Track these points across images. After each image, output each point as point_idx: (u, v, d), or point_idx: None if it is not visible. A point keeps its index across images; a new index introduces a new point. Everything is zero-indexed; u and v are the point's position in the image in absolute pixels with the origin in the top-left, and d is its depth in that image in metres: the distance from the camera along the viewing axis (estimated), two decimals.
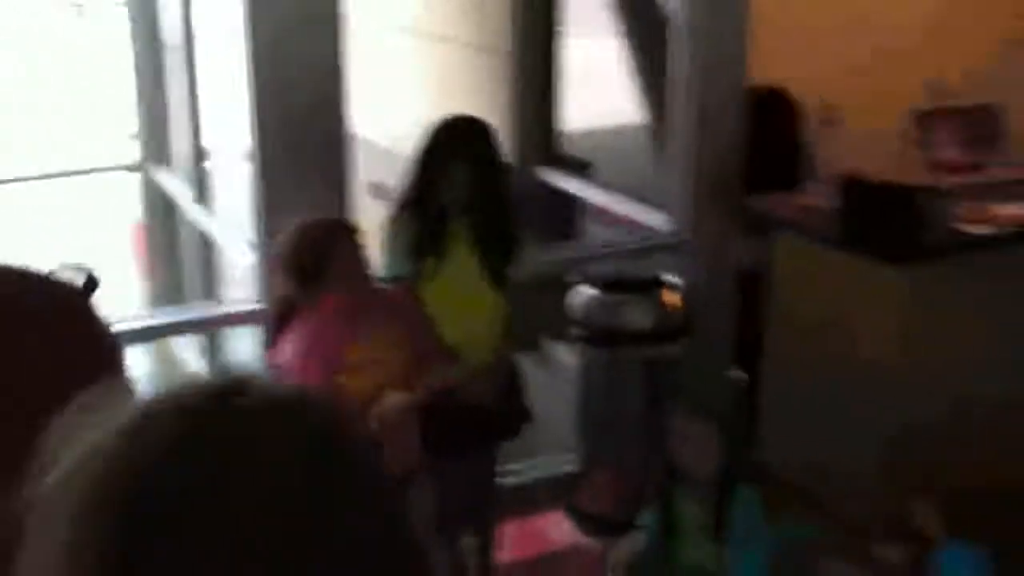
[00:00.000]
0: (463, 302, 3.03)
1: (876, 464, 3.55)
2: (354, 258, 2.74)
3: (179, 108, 5.14)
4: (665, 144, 5.02)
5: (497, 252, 3.07)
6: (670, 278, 3.76)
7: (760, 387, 3.96)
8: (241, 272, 3.86)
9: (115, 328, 0.87)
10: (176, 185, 5.40)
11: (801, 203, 3.83)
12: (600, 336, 3.65)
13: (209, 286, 5.05)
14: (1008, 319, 3.58)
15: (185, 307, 3.89)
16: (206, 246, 5.01)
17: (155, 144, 5.64)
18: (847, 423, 3.61)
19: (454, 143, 2.99)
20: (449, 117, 3.07)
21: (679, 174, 4.06)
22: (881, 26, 4.44)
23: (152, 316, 3.83)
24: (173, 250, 5.84)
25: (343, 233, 2.75)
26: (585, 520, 3.57)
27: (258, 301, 3.36)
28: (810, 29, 4.31)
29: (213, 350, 5.00)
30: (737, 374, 4.00)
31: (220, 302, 4.17)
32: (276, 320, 2.84)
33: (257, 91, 3.20)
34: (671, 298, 3.69)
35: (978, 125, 3.93)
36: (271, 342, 2.88)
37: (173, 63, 5.13)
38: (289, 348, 2.72)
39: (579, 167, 5.32)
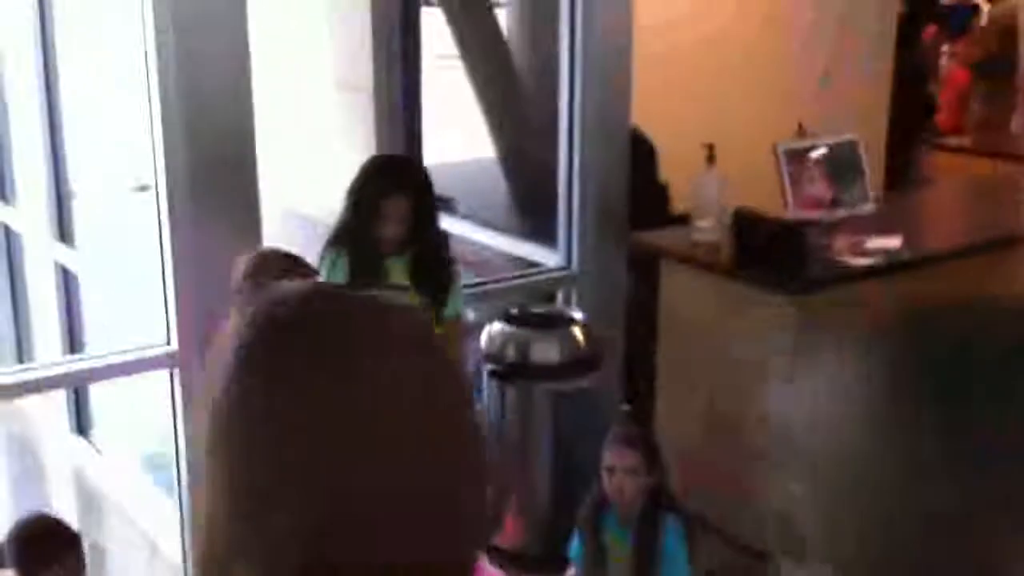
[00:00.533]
0: None
1: (772, 493, 3.78)
2: None
3: (30, 143, 4.92)
4: (516, 176, 5.19)
5: (434, 289, 3.11)
6: (575, 313, 3.89)
7: (655, 418, 4.14)
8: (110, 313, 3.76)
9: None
10: (25, 223, 5.17)
11: (692, 238, 4.03)
12: (511, 370, 3.73)
13: (71, 330, 4.86)
14: (887, 345, 3.88)
15: (90, 353, 3.71)
16: (66, 288, 4.82)
17: None
18: (740, 454, 3.83)
19: (390, 177, 3.01)
20: (382, 155, 3.10)
21: (566, 209, 4.20)
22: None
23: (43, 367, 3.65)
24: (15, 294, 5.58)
25: (304, 269, 2.74)
26: (509, 559, 3.64)
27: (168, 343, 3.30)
28: (687, 69, 4.54)
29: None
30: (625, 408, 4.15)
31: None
32: None
33: (165, 125, 3.12)
34: (578, 332, 3.81)
35: (841, 162, 4.23)
36: None
37: (21, 98, 4.91)
38: None
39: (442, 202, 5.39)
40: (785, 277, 3.68)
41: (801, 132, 4.26)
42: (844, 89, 5.43)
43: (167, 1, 2.99)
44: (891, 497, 3.69)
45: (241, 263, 2.75)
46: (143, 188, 4.99)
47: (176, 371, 3.31)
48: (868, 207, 4.28)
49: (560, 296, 4.27)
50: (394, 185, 2.98)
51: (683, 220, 4.38)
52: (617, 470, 3.07)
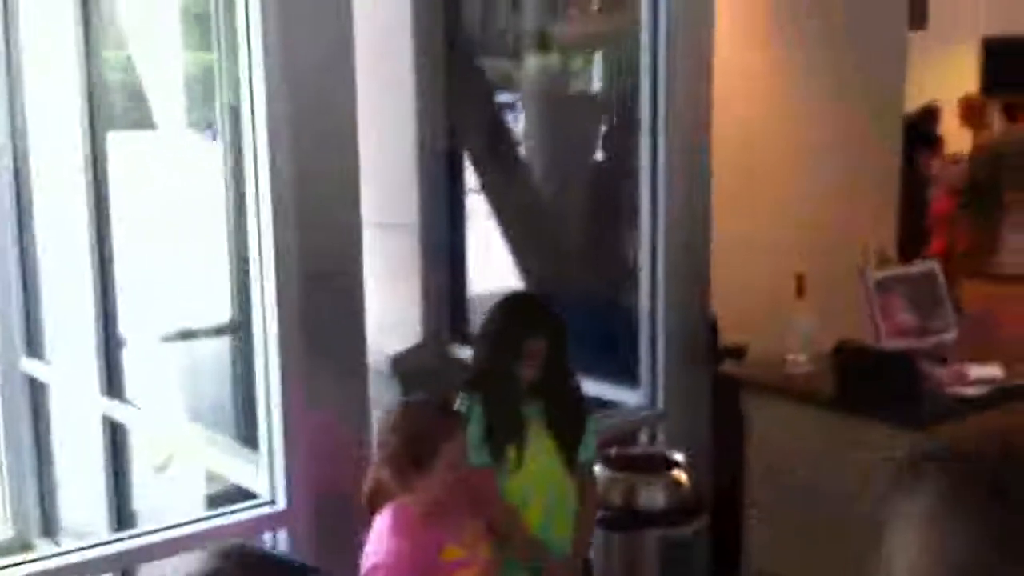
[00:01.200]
0: (547, 492, 2.88)
1: None
2: (461, 450, 2.56)
3: (70, 283, 4.71)
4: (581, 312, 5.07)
5: (571, 436, 2.95)
6: (675, 455, 3.73)
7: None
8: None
9: None
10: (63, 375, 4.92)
11: (784, 372, 3.92)
12: (619, 517, 3.55)
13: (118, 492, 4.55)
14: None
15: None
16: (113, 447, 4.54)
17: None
18: None
19: (530, 318, 2.88)
20: (517, 293, 2.98)
21: (648, 346, 4.08)
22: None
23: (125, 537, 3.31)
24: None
25: (454, 422, 2.57)
26: None
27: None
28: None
29: None
30: None
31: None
32: (368, 509, 2.62)
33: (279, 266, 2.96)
34: (682, 475, 3.66)
35: (922, 290, 4.18)
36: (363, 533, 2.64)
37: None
38: (387, 545, 2.49)
39: None
40: (898, 409, 3.57)
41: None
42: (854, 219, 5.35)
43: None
44: None
45: (387, 415, 2.59)
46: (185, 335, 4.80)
47: (283, 533, 3.09)
48: (951, 335, 4.22)
49: (643, 437, 4.13)
50: (535, 324, 2.84)
51: (735, 353, 4.29)
52: None
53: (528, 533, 2.85)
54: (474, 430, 2.76)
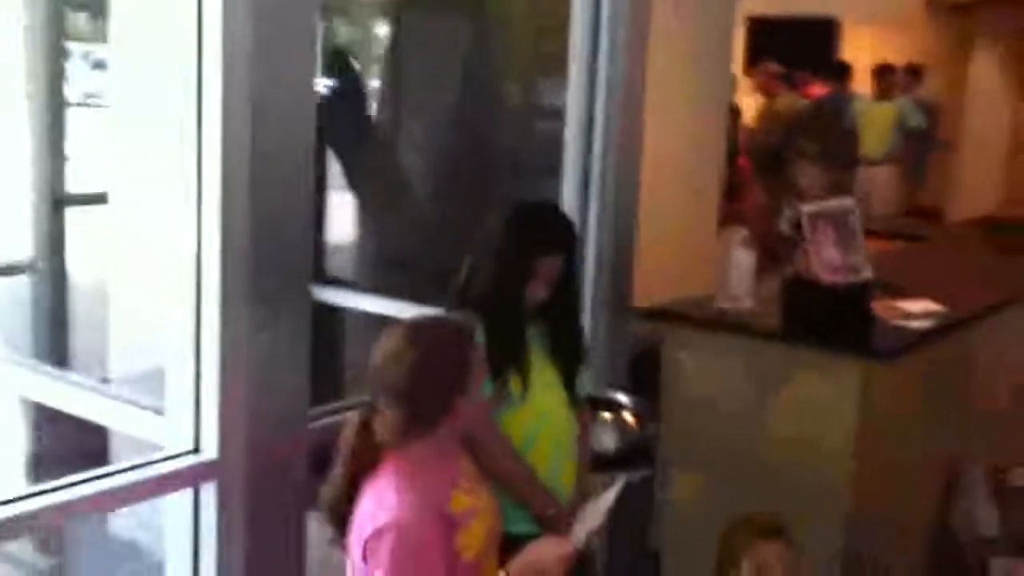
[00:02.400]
0: (554, 428, 2.51)
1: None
2: (481, 376, 2.17)
3: None
4: None
5: (573, 363, 2.58)
6: (621, 397, 3.44)
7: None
8: None
9: None
10: None
11: (718, 307, 3.70)
12: None
13: None
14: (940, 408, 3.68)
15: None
16: None
17: None
18: None
19: (547, 233, 2.49)
20: (530, 202, 2.59)
21: None
22: None
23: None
24: None
25: (477, 351, 2.16)
26: None
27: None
28: None
29: None
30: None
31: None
32: (350, 464, 2.16)
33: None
34: (630, 418, 3.37)
35: (843, 226, 4.04)
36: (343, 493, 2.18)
37: None
38: (394, 502, 2.06)
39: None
40: (853, 341, 3.40)
41: None
42: None
43: None
44: None
45: (396, 340, 2.14)
46: None
47: (213, 484, 2.60)
48: (867, 274, 4.10)
49: None
50: (552, 240, 2.46)
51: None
52: (772, 568, 2.65)
53: (539, 478, 2.48)
54: None
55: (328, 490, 2.20)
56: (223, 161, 2.47)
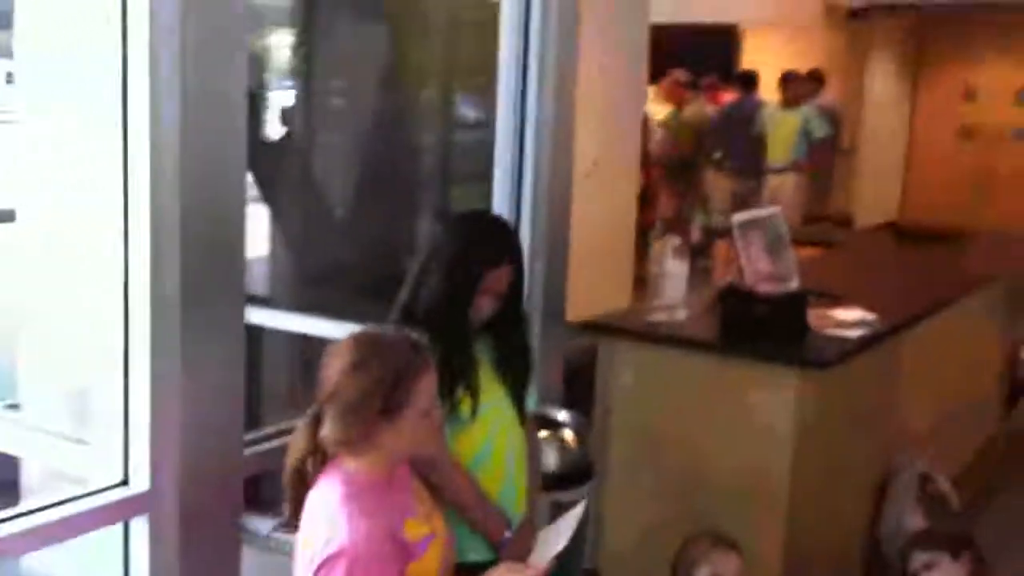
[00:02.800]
0: (505, 446, 2.41)
1: None
2: (434, 395, 2.07)
3: None
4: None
5: (521, 379, 2.49)
6: (559, 415, 3.37)
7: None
8: None
9: None
10: None
11: (649, 319, 3.66)
12: None
13: None
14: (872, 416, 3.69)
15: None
16: None
17: None
18: None
19: (495, 243, 2.38)
20: (476, 212, 2.48)
21: None
22: None
23: None
24: None
25: (428, 359, 2.05)
26: None
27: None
28: None
29: None
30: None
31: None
32: (293, 485, 2.07)
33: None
34: (569, 436, 3.30)
35: (772, 235, 4.03)
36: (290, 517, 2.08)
37: None
38: (347, 526, 1.95)
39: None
40: (788, 351, 3.39)
41: None
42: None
43: None
44: None
45: (344, 351, 2.03)
46: None
47: (144, 519, 2.45)
48: (795, 283, 4.10)
49: None
50: (501, 250, 2.36)
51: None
52: None
53: (492, 501, 2.38)
54: None
55: (284, 492, 2.11)
56: (151, 171, 2.34)
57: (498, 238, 2.40)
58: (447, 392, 2.30)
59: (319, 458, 2.07)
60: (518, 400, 2.48)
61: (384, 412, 1.98)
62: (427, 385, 2.04)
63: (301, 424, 2.08)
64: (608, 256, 4.55)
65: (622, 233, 5.93)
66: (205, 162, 2.39)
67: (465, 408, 2.34)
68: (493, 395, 2.41)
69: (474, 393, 2.34)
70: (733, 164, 8.62)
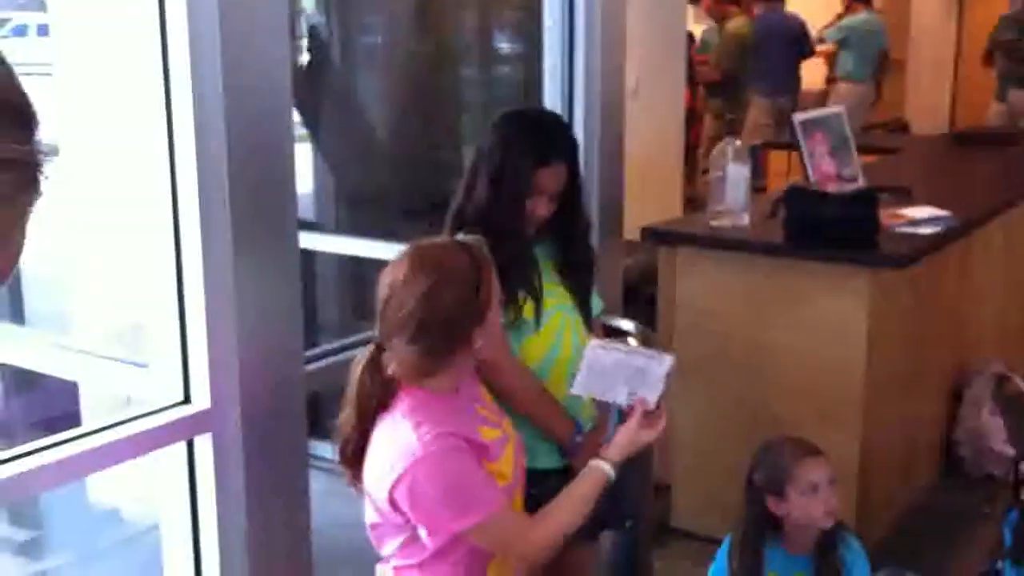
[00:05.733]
0: (571, 352, 2.30)
1: None
2: (496, 302, 1.96)
3: None
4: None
5: (585, 283, 2.39)
6: (621, 323, 3.26)
7: None
8: None
9: None
10: None
11: (713, 224, 3.53)
12: None
13: None
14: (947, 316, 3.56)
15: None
16: None
17: None
18: None
19: (547, 140, 2.26)
20: (523, 109, 2.36)
21: None
22: None
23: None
24: None
25: (486, 262, 1.94)
26: None
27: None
28: None
29: None
30: None
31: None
32: (359, 405, 1.95)
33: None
34: (635, 344, 3.20)
35: (836, 135, 3.89)
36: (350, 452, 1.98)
37: None
38: (422, 439, 1.86)
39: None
40: (863, 253, 3.25)
41: None
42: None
43: None
44: None
45: (405, 269, 1.92)
46: None
47: (207, 436, 2.39)
48: (860, 183, 3.96)
49: None
50: (553, 148, 2.24)
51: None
52: (822, 486, 2.49)
53: (560, 406, 2.29)
54: None
55: (338, 434, 2.00)
56: (195, 101, 2.23)
57: (547, 135, 2.27)
58: (511, 298, 2.20)
59: (379, 396, 1.94)
60: (583, 305, 2.38)
61: (458, 332, 1.88)
62: (494, 295, 1.93)
63: (360, 359, 1.96)
64: (656, 176, 4.41)
65: (670, 152, 5.84)
66: (250, 84, 2.29)
67: (528, 313, 2.24)
68: (557, 300, 2.32)
69: (536, 297, 2.24)
70: (768, 83, 8.37)
